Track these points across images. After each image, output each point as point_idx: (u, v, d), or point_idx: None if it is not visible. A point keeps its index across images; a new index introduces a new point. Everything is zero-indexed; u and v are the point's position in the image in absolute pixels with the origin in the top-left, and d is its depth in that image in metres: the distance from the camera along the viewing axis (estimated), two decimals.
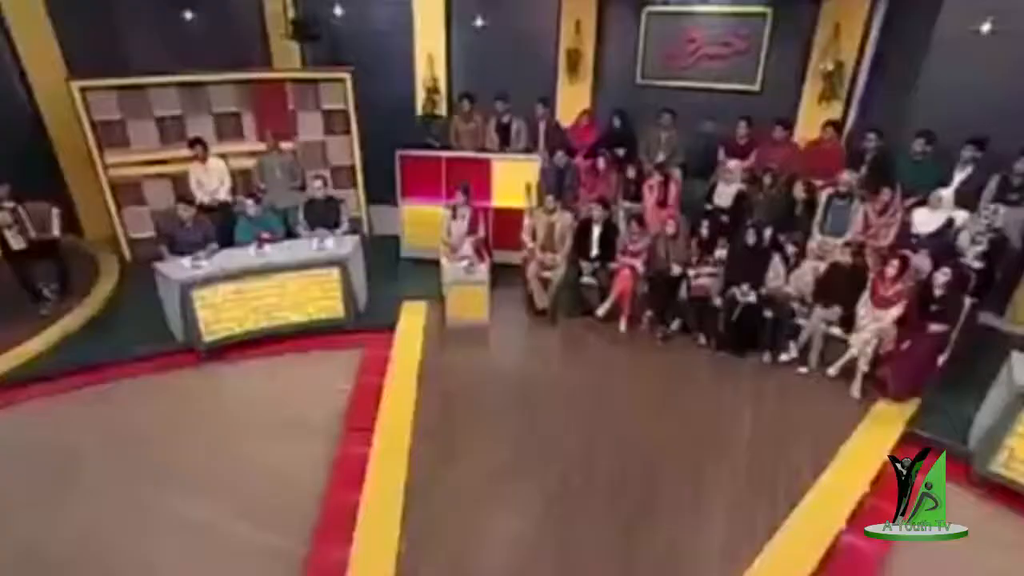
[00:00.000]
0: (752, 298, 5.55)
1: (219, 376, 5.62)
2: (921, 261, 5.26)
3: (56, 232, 6.07)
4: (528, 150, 7.31)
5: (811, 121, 6.94)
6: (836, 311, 5.28)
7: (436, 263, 6.62)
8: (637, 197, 6.77)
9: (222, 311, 5.67)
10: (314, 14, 7.92)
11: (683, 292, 5.93)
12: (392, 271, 7.30)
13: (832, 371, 5.33)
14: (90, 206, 7.44)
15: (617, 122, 7.23)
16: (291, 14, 7.94)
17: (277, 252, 5.98)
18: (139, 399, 5.26)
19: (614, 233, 6.29)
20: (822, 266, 5.48)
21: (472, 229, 6.62)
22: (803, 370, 5.46)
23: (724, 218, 6.26)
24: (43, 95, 7.16)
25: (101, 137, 6.90)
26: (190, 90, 7.15)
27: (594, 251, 6.28)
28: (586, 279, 6.31)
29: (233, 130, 7.45)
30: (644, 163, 7.02)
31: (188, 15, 8.04)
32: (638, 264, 6.08)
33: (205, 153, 6.82)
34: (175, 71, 7.15)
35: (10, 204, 5.77)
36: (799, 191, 6.02)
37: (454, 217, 6.62)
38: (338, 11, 8.18)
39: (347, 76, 7.50)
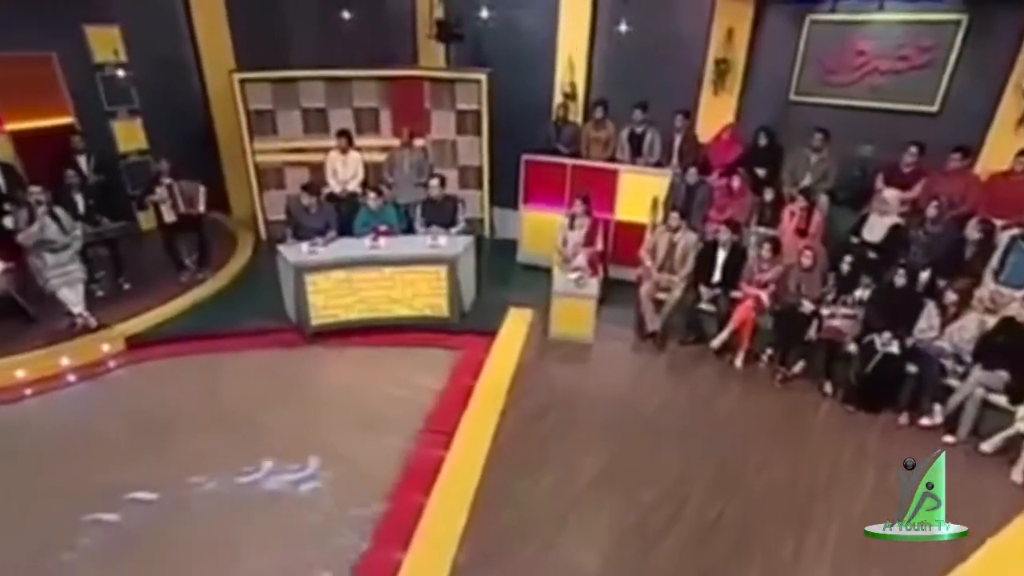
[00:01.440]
0: (895, 348, 4.92)
1: (319, 359, 5.92)
2: None
3: (202, 208, 6.76)
4: (660, 163, 7.08)
5: (1002, 149, 6.01)
6: (1001, 376, 4.53)
7: (550, 272, 6.56)
8: (773, 222, 6.27)
9: (331, 297, 6.00)
10: (459, 15, 8.18)
11: (812, 332, 5.39)
12: (505, 276, 7.36)
13: (987, 447, 4.57)
14: (239, 188, 8.27)
15: (763, 140, 6.76)
16: (437, 14, 8.27)
17: (390, 245, 6.22)
18: (244, 370, 5.69)
19: (741, 259, 5.87)
20: (990, 321, 4.76)
21: (589, 241, 6.48)
22: (949, 439, 4.73)
23: (872, 254, 5.63)
24: (213, 86, 8.09)
25: (253, 125, 7.67)
26: (335, 84, 7.71)
27: (716, 276, 5.90)
28: (704, 305, 5.94)
29: (371, 124, 7.91)
30: (786, 186, 6.50)
31: (346, 15, 8.66)
32: (764, 295, 5.62)
33: (348, 145, 7.30)
34: (328, 66, 7.72)
35: (167, 180, 6.51)
36: (972, 230, 5.27)
37: (571, 227, 6.52)
38: (484, 13, 8.39)
39: (483, 77, 7.68)
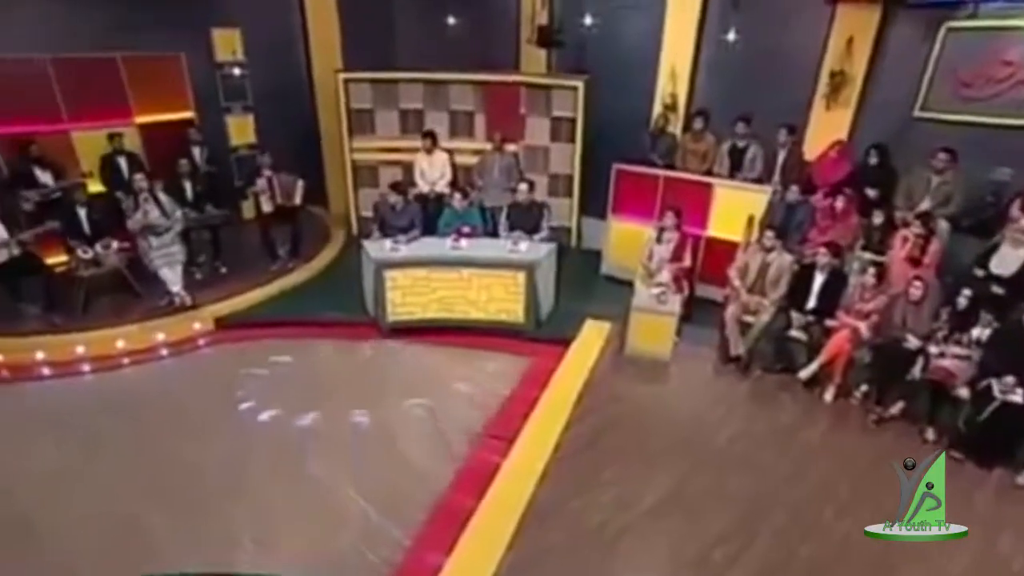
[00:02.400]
0: (1018, 397, 4.37)
1: (391, 354, 6.05)
2: None
3: (298, 201, 7.15)
4: (759, 180, 6.72)
5: None
6: None
7: (634, 285, 6.36)
8: (881, 248, 5.78)
9: (409, 294, 6.13)
10: (561, 21, 8.18)
11: (916, 371, 4.88)
12: (587, 286, 7.25)
13: None
14: (337, 184, 8.68)
15: (874, 158, 6.26)
16: (540, 20, 8.30)
17: (471, 248, 6.28)
18: (318, 357, 5.95)
19: (840, 285, 5.43)
20: None
21: (676, 256, 6.25)
22: None
23: (998, 289, 5.05)
24: (320, 85, 8.55)
25: (353, 123, 8.00)
26: (433, 87, 7.91)
27: (811, 302, 5.50)
28: (795, 332, 5.54)
29: (465, 128, 8.04)
30: (899, 210, 5.98)
31: (452, 20, 8.88)
32: (863, 327, 5.17)
33: (432, 146, 7.50)
34: (428, 69, 7.95)
35: (268, 173, 6.92)
36: None
37: (659, 240, 6.31)
38: (588, 20, 8.34)
39: (580, 84, 7.62)
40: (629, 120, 8.02)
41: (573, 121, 7.80)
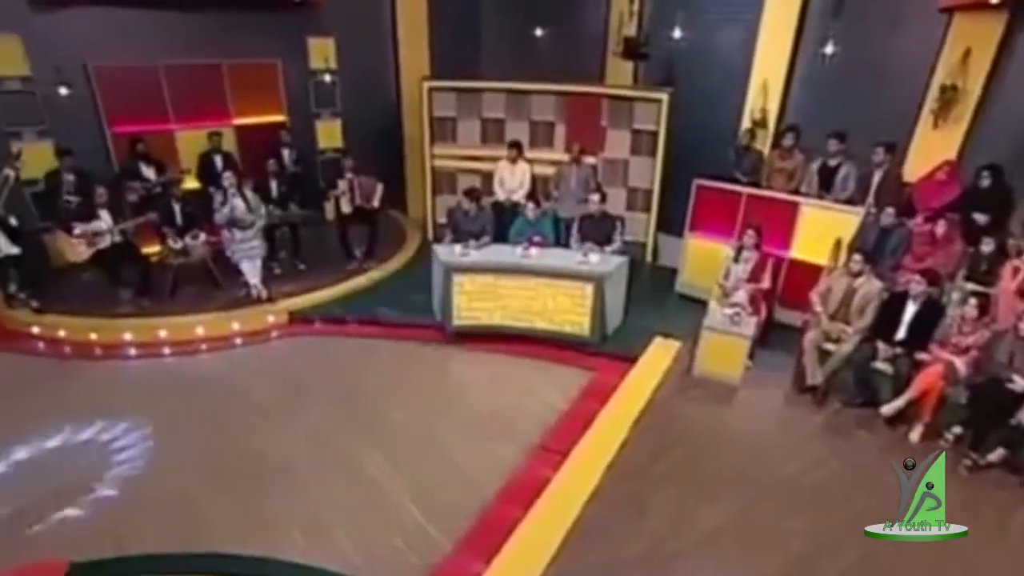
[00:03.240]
0: None
1: (453, 358, 6.13)
2: None
3: (376, 203, 7.38)
4: (851, 201, 6.34)
5: None
6: None
7: (708, 305, 6.14)
8: (988, 279, 5.29)
9: (475, 300, 6.16)
10: (648, 33, 8.07)
11: (1022, 416, 4.42)
12: (659, 303, 7.06)
13: None
14: (416, 190, 8.92)
15: (986, 180, 5.76)
16: (627, 32, 8.22)
17: (540, 257, 6.26)
18: (384, 357, 6.10)
19: (935, 316, 5.01)
20: None
21: (754, 276, 5.98)
22: None
23: None
24: (406, 93, 8.85)
25: (435, 131, 8.18)
26: (516, 97, 7.97)
27: (901, 333, 5.10)
28: (880, 364, 5.13)
29: (545, 138, 8.05)
30: (1016, 237, 5.46)
31: (539, 31, 8.97)
32: (960, 363, 4.74)
33: (517, 156, 7.55)
34: (513, 79, 8.04)
35: (350, 175, 7.19)
36: None
37: (736, 259, 6.06)
38: (677, 32, 8.19)
39: (664, 97, 7.47)
40: (713, 135, 7.80)
41: (655, 134, 7.66)
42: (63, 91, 6.74)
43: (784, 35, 7.47)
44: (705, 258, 6.82)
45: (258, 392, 5.45)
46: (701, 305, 6.27)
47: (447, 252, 6.30)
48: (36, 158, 6.64)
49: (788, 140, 6.83)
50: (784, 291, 6.41)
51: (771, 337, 6.11)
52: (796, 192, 6.67)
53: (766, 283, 6.03)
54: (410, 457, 4.68)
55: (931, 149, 6.56)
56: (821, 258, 6.16)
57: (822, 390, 5.34)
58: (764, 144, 7.46)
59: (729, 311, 5.73)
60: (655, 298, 7.14)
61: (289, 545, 3.86)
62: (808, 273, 6.15)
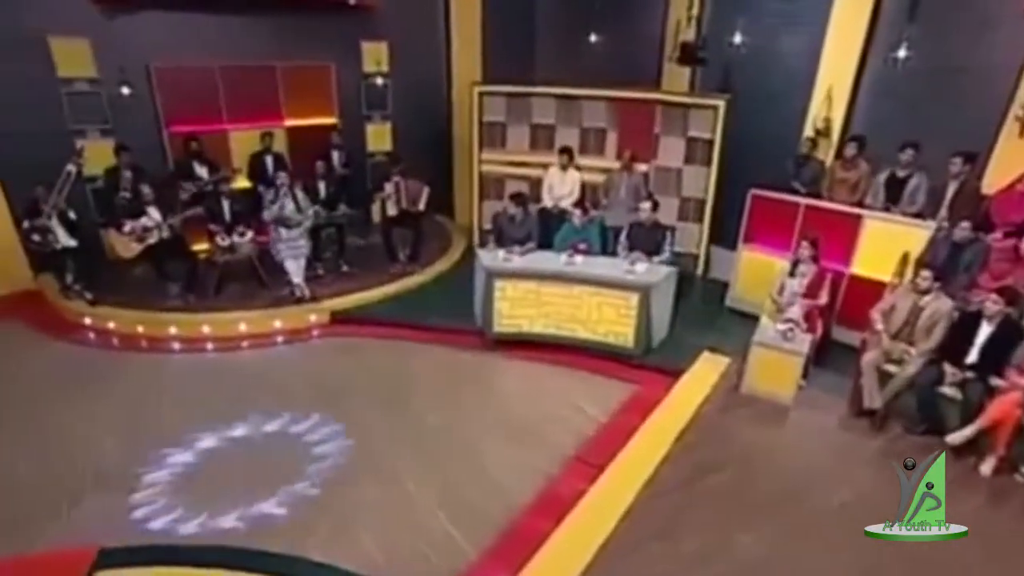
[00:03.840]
0: None
1: (493, 365, 6.04)
2: None
3: (421, 207, 7.40)
4: (920, 214, 5.98)
5: None
6: None
7: (760, 320, 5.90)
8: None
9: (517, 306, 6.07)
10: (705, 39, 7.87)
11: None
12: (708, 317, 6.81)
13: None
14: (464, 194, 8.93)
15: None
16: (684, 37, 8.04)
17: (585, 265, 6.13)
18: (422, 361, 6.07)
19: (1013, 339, 4.63)
20: None
21: (810, 292, 5.70)
22: None
23: None
24: (457, 96, 8.88)
25: (484, 136, 8.16)
26: (566, 103, 7.87)
27: (972, 356, 4.74)
28: (947, 389, 4.79)
29: (596, 145, 7.92)
30: None
31: (594, 36, 8.86)
32: None
33: (569, 162, 7.47)
34: (565, 84, 7.94)
35: (396, 178, 7.25)
36: None
37: (792, 273, 5.80)
38: (737, 38, 7.96)
39: (721, 104, 7.24)
40: (771, 144, 7.53)
41: (710, 143, 7.42)
42: (125, 91, 7.05)
43: (853, 40, 7.16)
44: (759, 271, 6.55)
45: (296, 391, 5.48)
46: (753, 320, 6.00)
47: (490, 257, 6.24)
48: (97, 155, 6.93)
49: (851, 149, 6.53)
50: (843, 308, 6.08)
51: (827, 356, 5.80)
52: (860, 204, 6.34)
53: (823, 299, 5.74)
54: (442, 462, 4.62)
55: (1015, 159, 6.12)
56: (884, 274, 5.81)
57: (881, 414, 5.01)
58: (826, 154, 7.16)
59: (782, 326, 5.46)
60: (704, 311, 6.91)
61: (314, 544, 3.82)
62: (870, 290, 5.81)
